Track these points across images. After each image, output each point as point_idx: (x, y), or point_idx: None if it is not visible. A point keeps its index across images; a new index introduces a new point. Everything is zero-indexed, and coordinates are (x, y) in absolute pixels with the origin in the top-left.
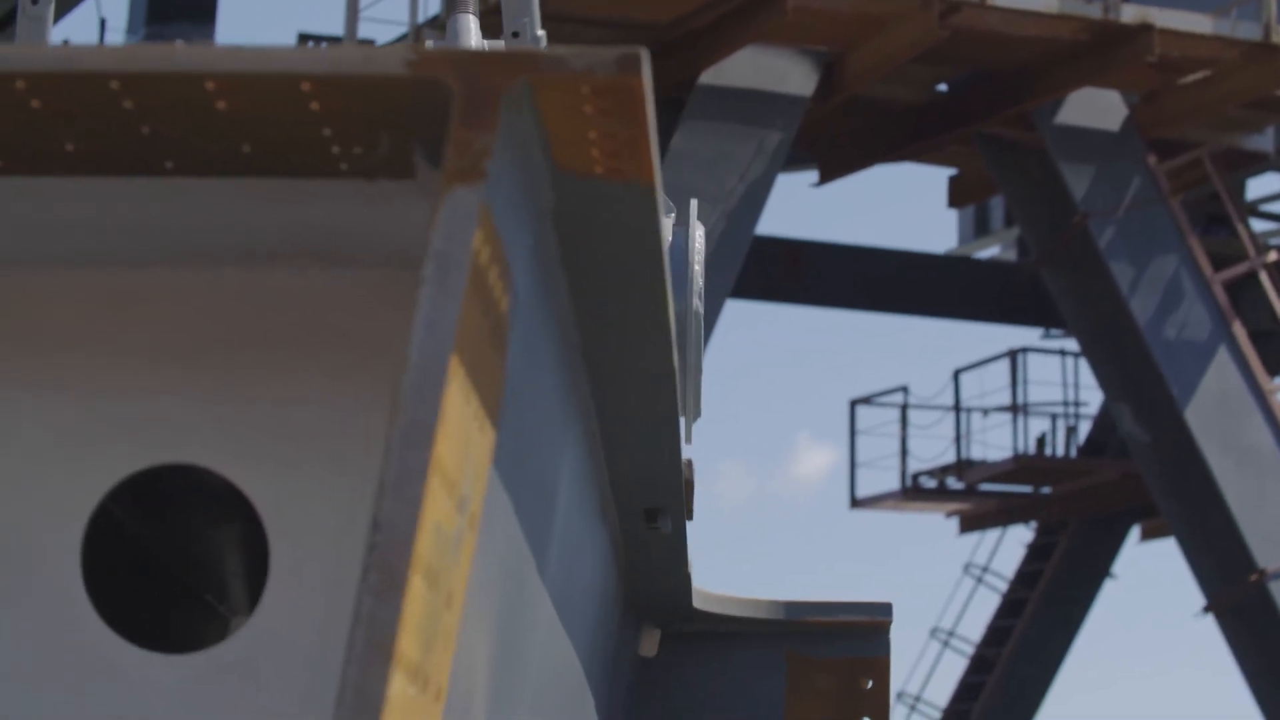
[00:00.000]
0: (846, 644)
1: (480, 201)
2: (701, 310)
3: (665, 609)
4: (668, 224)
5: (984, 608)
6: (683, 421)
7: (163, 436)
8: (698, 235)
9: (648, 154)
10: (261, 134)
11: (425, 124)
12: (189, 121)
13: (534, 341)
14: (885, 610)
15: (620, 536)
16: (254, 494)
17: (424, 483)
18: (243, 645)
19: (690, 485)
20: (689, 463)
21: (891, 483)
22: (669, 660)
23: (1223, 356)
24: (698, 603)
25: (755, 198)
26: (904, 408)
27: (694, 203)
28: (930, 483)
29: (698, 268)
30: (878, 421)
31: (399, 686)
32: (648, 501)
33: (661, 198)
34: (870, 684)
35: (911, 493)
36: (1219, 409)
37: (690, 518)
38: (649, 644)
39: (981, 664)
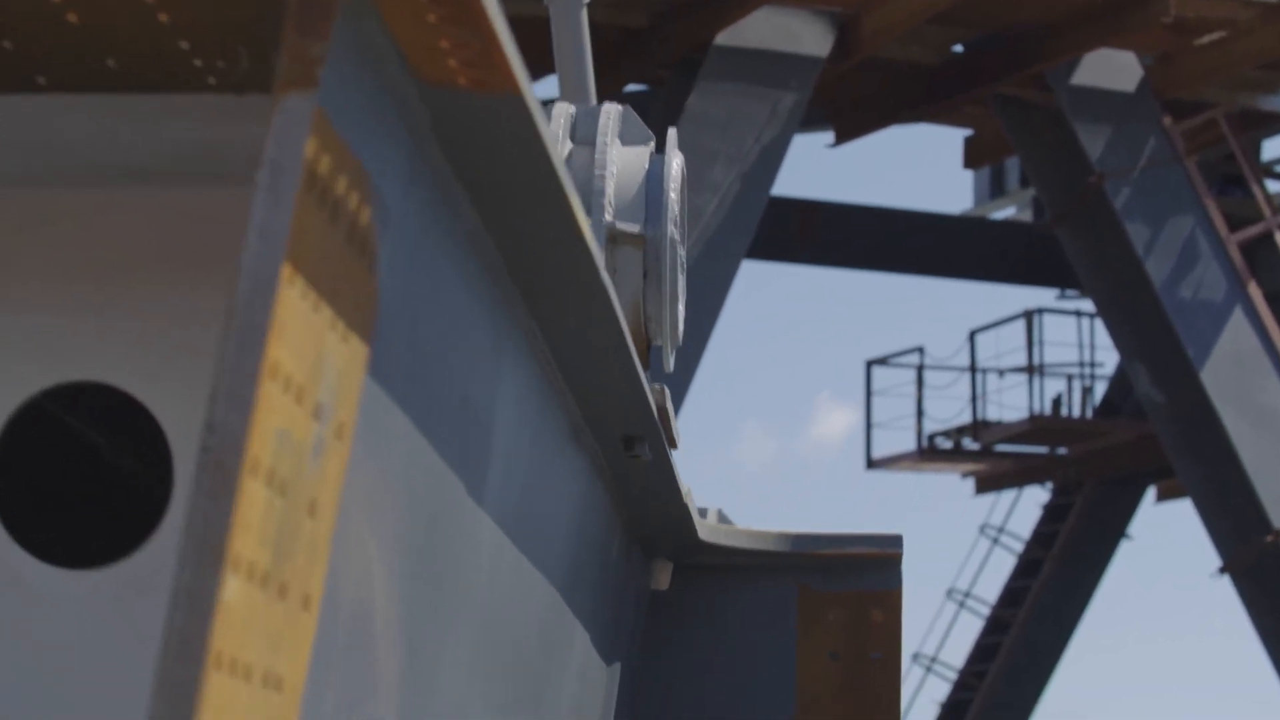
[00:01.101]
0: (857, 577)
1: (315, 109)
2: (678, 237)
3: (670, 541)
4: (649, 153)
5: (1000, 569)
6: (663, 350)
7: (67, 355)
8: (674, 163)
9: (504, 64)
10: (122, 48)
11: (277, 36)
12: (47, 36)
13: (429, 257)
14: (895, 542)
15: (607, 465)
16: (157, 410)
17: (257, 385)
18: (148, 560)
19: (665, 412)
20: (661, 389)
21: (908, 443)
22: (681, 593)
23: (1238, 317)
24: (705, 535)
25: (771, 158)
26: (920, 368)
27: (672, 131)
28: (946, 443)
29: (673, 195)
30: (894, 382)
31: (236, 589)
32: (622, 429)
33: (537, 108)
34: (882, 617)
35: (927, 453)
36: (1235, 370)
37: (674, 446)
38: (661, 577)
39: (998, 625)
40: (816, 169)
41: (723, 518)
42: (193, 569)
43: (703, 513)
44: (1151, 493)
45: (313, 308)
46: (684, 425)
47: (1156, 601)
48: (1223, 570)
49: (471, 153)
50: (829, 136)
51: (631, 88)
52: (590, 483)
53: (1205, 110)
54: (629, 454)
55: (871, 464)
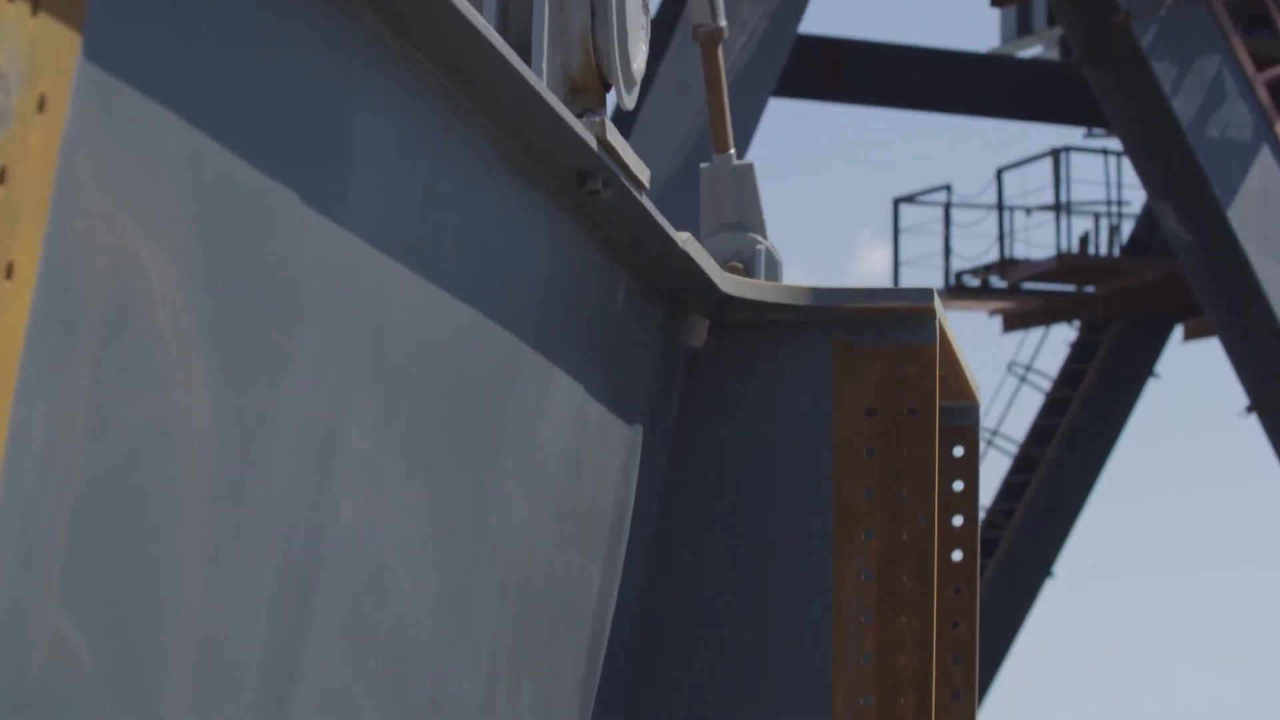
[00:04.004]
0: (891, 332)
1: None
2: None
3: (696, 296)
4: None
5: (1028, 407)
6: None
7: None
8: None
9: None
10: None
11: None
12: None
13: None
14: (927, 296)
15: (578, 207)
16: None
17: None
18: None
19: (609, 146)
20: (602, 122)
21: (936, 281)
22: (718, 351)
23: (1265, 156)
24: (731, 289)
25: None
26: (947, 206)
27: None
28: (974, 281)
29: None
30: (923, 220)
31: None
32: (566, 164)
33: None
34: (917, 372)
35: (955, 291)
36: (1262, 209)
37: (645, 189)
38: (697, 333)
39: (1025, 463)
40: (844, 7)
41: None
42: None
43: None
44: (1179, 331)
45: None
46: None
47: (1184, 440)
48: (1249, 409)
49: None
50: None
51: None
52: (555, 222)
53: None
54: (588, 192)
55: None
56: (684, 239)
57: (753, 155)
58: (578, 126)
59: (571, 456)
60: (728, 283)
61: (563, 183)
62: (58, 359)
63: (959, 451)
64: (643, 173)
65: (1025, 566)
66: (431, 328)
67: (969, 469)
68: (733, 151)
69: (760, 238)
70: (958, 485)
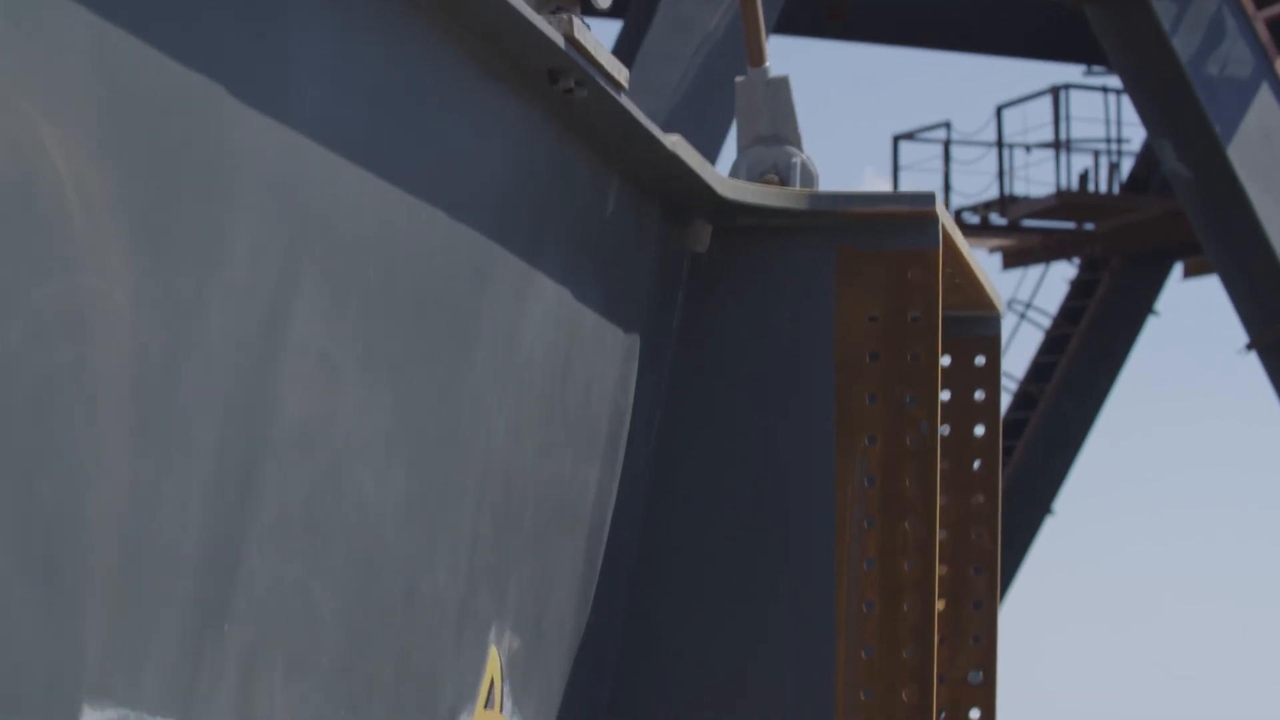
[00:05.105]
0: (895, 237)
1: None
2: None
3: (697, 201)
4: None
5: (1028, 344)
6: None
7: None
8: None
9: None
10: None
11: None
12: None
13: None
14: (928, 199)
15: (559, 109)
16: None
17: None
18: None
19: (578, 44)
20: (569, 19)
21: None
22: (721, 256)
23: (1265, 94)
24: (730, 194)
25: None
26: (947, 143)
27: None
28: (973, 218)
29: None
30: (923, 157)
31: None
32: (534, 62)
33: None
34: (920, 278)
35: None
36: (1262, 146)
37: (620, 88)
38: (700, 239)
39: (1026, 400)
40: None
41: None
42: None
43: None
44: (1179, 268)
45: None
46: None
47: (1183, 377)
48: (1249, 346)
49: None
50: None
51: None
52: (526, 121)
53: None
54: (562, 91)
55: None
56: (673, 141)
57: None
58: (540, 22)
59: (560, 359)
60: (726, 186)
61: (533, 81)
62: None
63: (980, 361)
64: (620, 72)
65: (1025, 504)
66: (387, 221)
67: (990, 379)
68: (769, 64)
69: (796, 150)
70: (979, 395)
